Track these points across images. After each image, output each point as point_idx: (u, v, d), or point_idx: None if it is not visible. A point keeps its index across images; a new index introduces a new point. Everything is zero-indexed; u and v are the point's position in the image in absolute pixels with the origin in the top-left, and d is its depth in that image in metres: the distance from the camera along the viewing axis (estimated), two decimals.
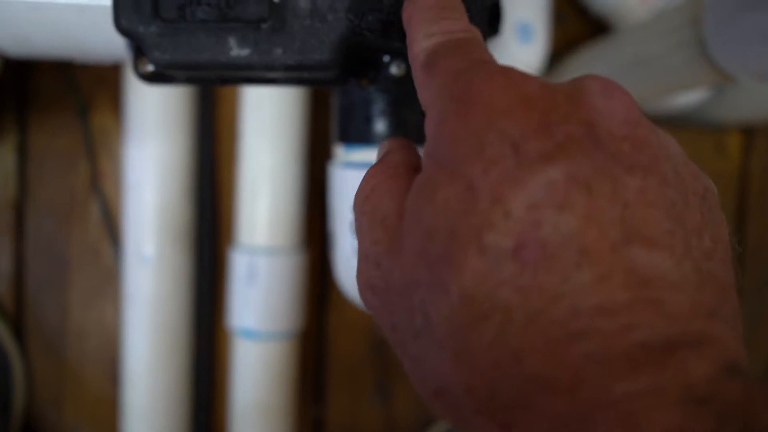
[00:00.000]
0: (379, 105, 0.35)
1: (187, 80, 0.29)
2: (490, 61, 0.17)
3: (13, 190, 0.58)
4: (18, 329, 0.60)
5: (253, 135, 0.54)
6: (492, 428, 0.14)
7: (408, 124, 0.34)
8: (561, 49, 0.61)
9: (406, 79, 0.28)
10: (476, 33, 0.19)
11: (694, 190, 0.16)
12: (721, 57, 0.36)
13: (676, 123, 0.67)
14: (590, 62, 0.54)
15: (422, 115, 0.32)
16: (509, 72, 0.16)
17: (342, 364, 0.64)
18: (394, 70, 0.28)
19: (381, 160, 0.20)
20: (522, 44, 0.52)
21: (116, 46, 0.36)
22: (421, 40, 0.19)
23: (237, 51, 0.25)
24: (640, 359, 0.12)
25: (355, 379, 0.64)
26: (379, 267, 0.17)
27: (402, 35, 0.26)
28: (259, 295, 0.53)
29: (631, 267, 0.13)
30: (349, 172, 0.35)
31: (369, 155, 0.35)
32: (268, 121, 0.54)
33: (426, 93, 0.18)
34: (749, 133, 0.69)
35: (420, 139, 0.33)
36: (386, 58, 0.28)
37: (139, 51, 0.27)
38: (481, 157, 0.14)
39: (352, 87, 0.33)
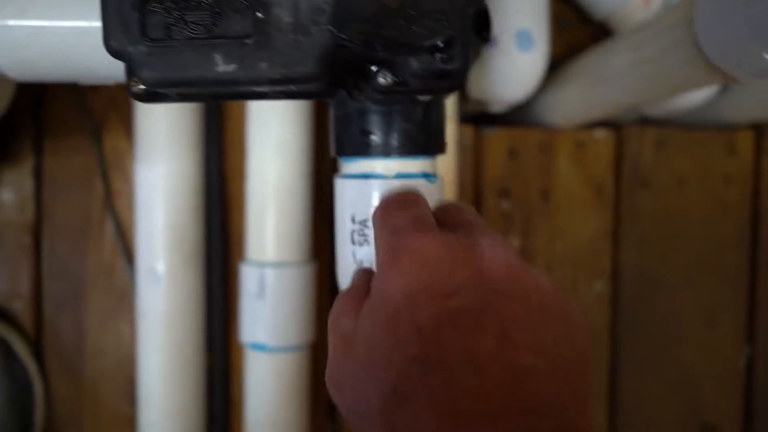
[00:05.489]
0: (373, 116, 0.36)
1: (179, 97, 0.30)
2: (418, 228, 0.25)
3: (31, 214, 0.60)
4: (37, 349, 0.61)
5: (260, 151, 0.55)
6: None
7: (402, 134, 0.34)
8: (562, 55, 0.61)
9: (394, 88, 0.29)
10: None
11: (559, 308, 0.23)
12: (715, 55, 0.36)
13: (685, 124, 0.66)
14: (590, 68, 0.54)
15: (414, 123, 0.32)
16: (418, 237, 0.24)
17: None
18: (381, 79, 0.29)
19: (348, 288, 0.27)
20: (522, 51, 0.52)
21: (117, 68, 0.37)
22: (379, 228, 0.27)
23: (223, 67, 0.25)
24: (503, 420, 0.19)
25: None
26: (339, 367, 0.24)
27: (385, 45, 0.26)
28: (269, 309, 0.54)
29: (506, 363, 0.20)
30: (347, 181, 0.36)
31: (365, 166, 0.35)
32: (274, 136, 0.55)
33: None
34: (760, 131, 0.68)
35: (410, 149, 0.33)
36: (373, 68, 0.29)
37: (131, 71, 0.28)
38: (406, 296, 0.22)
39: (345, 99, 0.33)
